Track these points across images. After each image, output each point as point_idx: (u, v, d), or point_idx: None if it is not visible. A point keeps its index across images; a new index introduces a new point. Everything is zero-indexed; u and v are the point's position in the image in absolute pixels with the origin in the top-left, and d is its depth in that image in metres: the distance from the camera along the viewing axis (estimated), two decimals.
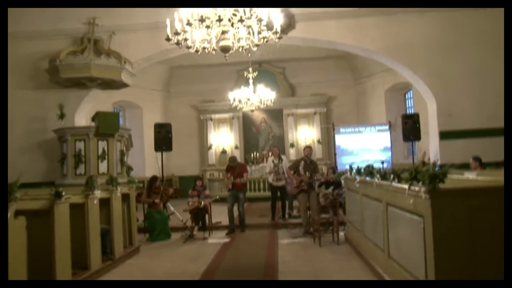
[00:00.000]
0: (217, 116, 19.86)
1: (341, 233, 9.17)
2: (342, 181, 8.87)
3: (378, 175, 5.97)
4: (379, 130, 15.12)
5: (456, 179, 5.10)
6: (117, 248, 7.98)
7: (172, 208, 11.98)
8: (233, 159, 11.20)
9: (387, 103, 18.50)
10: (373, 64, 17.35)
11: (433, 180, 4.08)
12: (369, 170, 6.73)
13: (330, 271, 6.88)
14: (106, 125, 10.38)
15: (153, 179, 10.74)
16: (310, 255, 8.00)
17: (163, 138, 12.66)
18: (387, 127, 15.16)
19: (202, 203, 10.35)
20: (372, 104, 19.12)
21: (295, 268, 7.13)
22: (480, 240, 4.07)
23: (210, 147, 19.76)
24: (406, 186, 4.66)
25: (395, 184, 5.17)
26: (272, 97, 14.29)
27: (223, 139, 19.84)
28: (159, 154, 13.44)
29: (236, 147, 19.70)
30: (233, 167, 10.90)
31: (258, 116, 19.71)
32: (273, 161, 11.74)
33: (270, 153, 12.32)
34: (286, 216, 11.70)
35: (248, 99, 13.86)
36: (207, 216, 10.62)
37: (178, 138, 19.99)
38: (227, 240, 9.81)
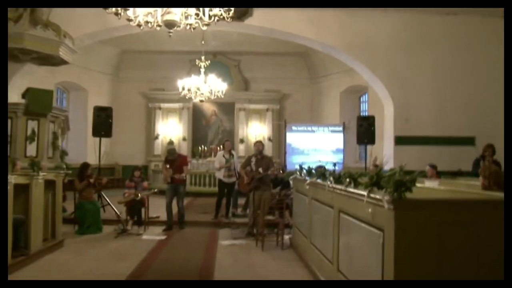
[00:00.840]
0: (166, 105, 18.86)
1: (286, 237, 8.47)
2: (291, 182, 8.14)
3: (331, 178, 5.24)
4: (332, 131, 14.46)
5: (419, 188, 4.43)
6: (34, 242, 6.97)
7: (107, 199, 10.99)
8: (171, 151, 10.32)
9: (341, 105, 18.07)
10: (331, 64, 16.85)
11: (398, 188, 3.38)
12: (321, 172, 6.02)
13: (271, 279, 6.13)
14: (38, 103, 9.24)
15: (84, 166, 9.71)
16: (251, 260, 7.23)
17: (103, 123, 11.56)
18: (340, 128, 14.54)
19: (139, 195, 9.43)
20: (326, 105, 18.63)
21: (233, 275, 6.33)
22: (448, 259, 3.42)
23: (157, 137, 18.75)
24: (364, 193, 3.95)
25: (351, 189, 4.45)
26: (223, 88, 13.43)
27: (171, 130, 18.87)
28: (98, 140, 12.28)
29: (184, 139, 18.77)
30: (172, 160, 10.00)
31: (209, 108, 18.89)
32: (224, 156, 10.92)
33: (220, 147, 11.34)
34: (230, 214, 10.90)
35: (198, 89, 12.95)
36: (143, 210, 9.70)
37: (124, 126, 19.00)
38: (163, 237, 8.93)
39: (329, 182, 5.31)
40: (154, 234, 9.22)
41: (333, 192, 5.19)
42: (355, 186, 4.53)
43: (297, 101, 19.39)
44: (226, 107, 18.86)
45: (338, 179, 5.16)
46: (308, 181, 6.36)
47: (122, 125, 18.99)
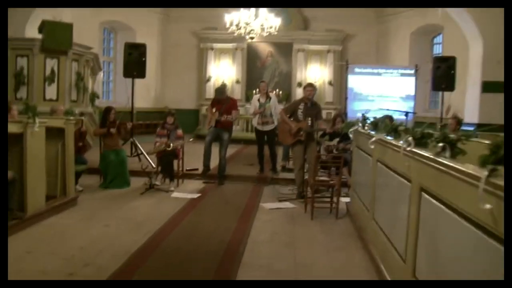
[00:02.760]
0: (219, 45, 17.00)
1: (343, 200, 6.69)
2: (351, 135, 6.22)
3: (409, 138, 3.33)
4: (402, 74, 12.09)
5: None
6: (32, 202, 5.54)
7: (140, 147, 9.52)
8: (221, 89, 8.64)
9: (411, 47, 15.61)
10: None
11: None
12: (392, 127, 4.10)
13: (316, 270, 4.39)
14: (55, 38, 7.76)
15: (107, 110, 8.10)
16: (295, 234, 5.50)
17: (135, 62, 9.80)
18: (412, 71, 12.10)
19: (171, 145, 7.83)
20: (394, 47, 16.20)
21: (267, 261, 4.62)
22: None
23: (208, 80, 17.03)
24: (479, 175, 2.06)
25: (448, 162, 2.56)
26: (276, 24, 11.43)
27: (224, 72, 17.07)
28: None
29: (238, 82, 16.97)
30: (220, 101, 8.33)
31: (265, 49, 16.92)
32: (259, 100, 9.04)
33: (256, 90, 9.32)
34: (278, 168, 9.17)
35: (247, 24, 11.01)
36: (176, 162, 8.13)
37: (175, 68, 17.46)
38: (195, 196, 7.34)
39: (404, 143, 3.40)
40: (186, 191, 7.67)
41: (412, 159, 3.31)
42: (453, 156, 2.64)
43: (362, 42, 17.03)
44: (283, 48, 16.82)
45: (420, 139, 3.25)
46: (373, 138, 4.44)
47: (172, 67, 17.49)
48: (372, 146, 4.44)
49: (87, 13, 14.26)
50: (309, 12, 16.89)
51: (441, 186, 2.73)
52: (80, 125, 7.48)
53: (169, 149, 7.79)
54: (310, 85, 7.44)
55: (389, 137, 4.12)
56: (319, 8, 16.34)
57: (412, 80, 11.81)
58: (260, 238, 5.29)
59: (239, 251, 4.81)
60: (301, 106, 7.35)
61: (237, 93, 16.86)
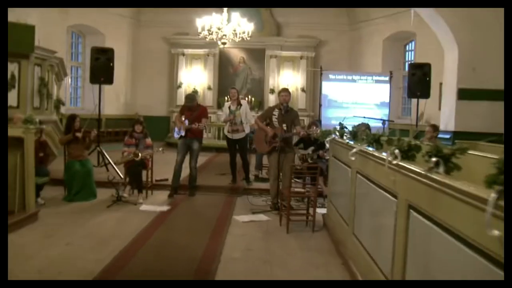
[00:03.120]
0: (190, 51, 16.63)
1: (319, 211, 6.41)
2: (327, 144, 5.95)
3: (395, 150, 3.06)
4: (376, 81, 11.88)
5: None
6: None
7: (107, 156, 9.09)
8: (191, 97, 8.21)
9: (384, 54, 15.51)
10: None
11: None
12: (374, 137, 3.83)
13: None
14: (15, 41, 7.25)
15: (71, 118, 7.65)
16: (270, 250, 5.18)
17: (102, 67, 9.35)
18: (387, 78, 11.89)
19: (140, 155, 7.44)
20: (367, 54, 16.09)
21: (241, 277, 4.31)
22: None
23: (180, 86, 16.61)
24: (486, 197, 1.80)
25: (446, 180, 2.29)
26: (249, 29, 11.15)
27: (196, 78, 16.68)
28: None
29: (209, 88, 16.61)
30: (191, 108, 7.96)
31: (237, 55, 16.61)
32: (229, 107, 8.68)
33: (226, 97, 8.89)
34: (251, 178, 8.85)
35: (219, 29, 10.70)
36: (145, 173, 7.74)
37: (145, 74, 17.02)
38: (165, 208, 6.96)
39: (390, 156, 3.14)
40: (156, 203, 7.29)
41: (398, 173, 3.04)
42: (447, 172, 2.38)
43: (334, 49, 16.89)
44: (256, 54, 16.55)
45: (407, 152, 2.99)
46: (354, 150, 4.15)
47: (143, 73, 17.05)
48: (353, 158, 4.16)
49: (54, 15, 13.75)
50: (282, 18, 16.69)
51: (434, 205, 2.46)
52: (40, 134, 7.04)
53: (138, 159, 7.40)
54: (285, 90, 7.13)
55: (370, 148, 3.85)
56: (292, 14, 16.19)
57: (386, 87, 11.64)
58: (234, 255, 4.96)
59: (211, 270, 4.47)
60: (276, 113, 7.06)
61: (209, 99, 16.53)
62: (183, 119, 7.91)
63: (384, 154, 3.31)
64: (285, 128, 6.90)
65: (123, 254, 4.85)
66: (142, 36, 17.04)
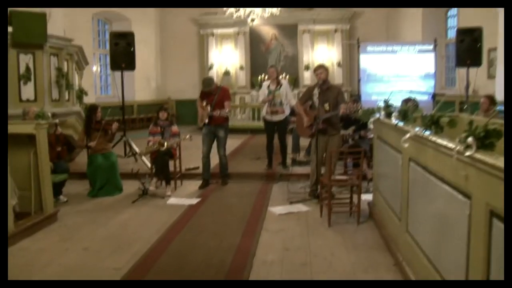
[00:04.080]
0: (220, 31, 15.94)
1: (364, 198, 5.66)
2: (371, 125, 5.15)
3: (469, 138, 2.29)
4: (420, 51, 10.76)
5: None
6: None
7: (134, 147, 8.56)
8: (207, 82, 7.28)
9: (424, 21, 14.32)
10: None
11: None
12: (433, 119, 3.05)
13: None
14: (26, 31, 6.75)
15: (92, 109, 7.08)
16: (311, 250, 4.48)
17: (123, 53, 8.67)
18: (431, 47, 10.73)
19: (165, 144, 6.85)
20: (405, 23, 14.99)
21: None
22: None
23: (211, 67, 15.98)
24: None
25: None
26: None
27: (227, 58, 16.03)
28: (144, 75, 9.74)
29: (241, 68, 15.91)
30: (209, 93, 7.21)
31: (268, 32, 15.82)
32: (268, 87, 7.87)
33: (261, 76, 8.02)
34: (288, 162, 8.15)
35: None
36: (172, 163, 7.15)
37: (175, 57, 16.43)
38: (194, 201, 6.35)
39: (461, 145, 2.37)
40: (185, 196, 6.71)
41: (473, 168, 2.28)
42: None
43: (370, 19, 15.84)
44: (288, 29, 15.70)
45: (483, 139, 2.23)
46: (407, 135, 3.36)
47: (173, 57, 16.47)
48: (406, 145, 3.39)
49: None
50: None
51: None
52: (55, 128, 6.53)
53: (163, 148, 6.81)
54: (320, 66, 6.31)
55: (427, 132, 3.08)
56: None
57: (431, 56, 10.54)
58: (268, 257, 4.30)
59: (242, 277, 3.84)
60: (316, 92, 6.28)
61: (242, 79, 15.86)
62: (205, 104, 7.21)
63: (449, 144, 2.55)
64: (327, 107, 6.14)
65: (145, 260, 4.26)
66: (170, 19, 16.44)
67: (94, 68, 14.47)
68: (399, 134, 3.80)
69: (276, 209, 5.86)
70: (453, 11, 13.87)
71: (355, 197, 5.48)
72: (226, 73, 15.99)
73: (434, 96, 7.30)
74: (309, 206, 5.95)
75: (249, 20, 10.58)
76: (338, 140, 6.37)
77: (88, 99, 11.83)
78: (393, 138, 4.19)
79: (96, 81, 14.99)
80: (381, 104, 4.77)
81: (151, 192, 6.68)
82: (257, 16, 10.34)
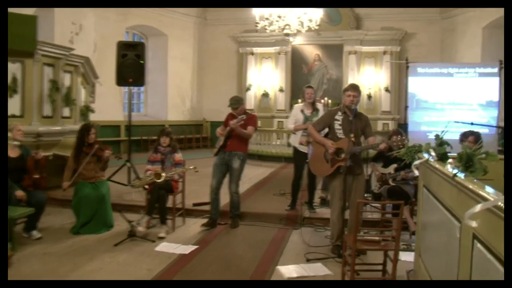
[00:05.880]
0: (260, 49, 14.75)
1: (403, 259, 4.15)
2: (416, 171, 3.60)
3: None
4: (481, 74, 8.92)
5: None
6: None
7: (137, 172, 7.33)
8: (235, 99, 6.01)
9: (484, 45, 12.66)
10: None
11: None
12: None
13: None
14: (13, 35, 5.62)
15: (84, 130, 5.88)
16: None
17: (131, 66, 7.34)
18: (495, 69, 8.81)
19: (162, 175, 5.55)
20: (462, 45, 13.33)
21: None
22: None
23: (249, 88, 14.76)
24: None
25: None
26: (317, 17, 8.94)
27: (266, 79, 14.78)
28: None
29: (281, 90, 14.58)
30: (235, 115, 5.91)
31: (311, 52, 14.48)
32: (302, 111, 6.44)
33: (300, 98, 6.48)
34: (315, 202, 6.67)
35: (280, 17, 8.59)
36: (171, 198, 5.81)
37: (212, 76, 15.29)
38: (188, 250, 4.96)
39: None
40: (182, 239, 5.35)
41: None
42: None
43: (423, 42, 14.21)
44: (333, 50, 14.31)
45: None
46: (479, 208, 1.85)
47: (210, 76, 15.37)
48: (474, 224, 1.90)
49: (111, 15, 12.43)
50: (361, 9, 14.28)
51: None
52: (36, 151, 5.38)
53: (160, 180, 5.51)
54: (353, 87, 4.87)
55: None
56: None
57: (494, 81, 8.64)
58: None
59: None
60: (339, 117, 4.85)
61: (281, 102, 14.54)
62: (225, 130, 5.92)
63: None
64: (352, 139, 4.70)
65: None
66: (208, 36, 15.40)
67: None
68: (458, 191, 2.32)
69: (287, 270, 4.39)
70: None
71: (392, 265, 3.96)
72: (265, 94, 14.71)
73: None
74: (331, 268, 4.45)
75: (290, 38, 9.23)
76: (363, 182, 4.90)
77: (117, 117, 10.75)
78: (448, 194, 2.69)
79: (128, 98, 14.01)
80: (432, 138, 3.27)
81: (140, 233, 5.36)
82: (294, 31, 8.98)
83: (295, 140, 6.50)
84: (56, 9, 11.05)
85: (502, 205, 1.62)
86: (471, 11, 12.86)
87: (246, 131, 5.72)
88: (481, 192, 1.93)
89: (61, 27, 11.26)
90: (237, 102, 5.94)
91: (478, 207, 1.76)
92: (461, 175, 2.38)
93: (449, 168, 2.60)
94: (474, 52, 12.80)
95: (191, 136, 14.77)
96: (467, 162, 2.36)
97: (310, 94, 6.41)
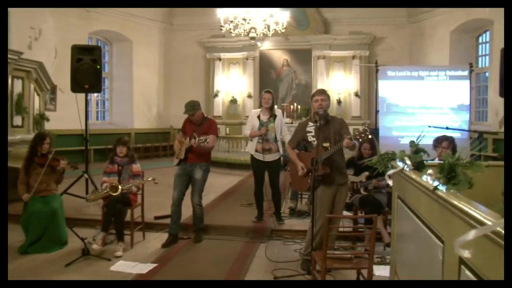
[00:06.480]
0: (227, 55, 14.41)
1: (377, 273, 3.86)
2: (389, 181, 3.28)
3: None
4: (451, 77, 8.72)
5: None
6: None
7: (96, 185, 6.86)
8: (190, 104, 5.48)
9: (452, 49, 12.67)
10: None
11: None
12: None
13: None
14: None
15: (38, 139, 5.40)
16: None
17: (87, 71, 6.79)
18: (465, 72, 8.61)
19: (119, 188, 5.12)
20: (430, 49, 13.34)
21: None
22: None
23: (216, 94, 14.40)
24: None
25: None
26: (284, 19, 8.64)
27: (234, 85, 14.43)
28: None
29: (249, 96, 14.27)
30: (193, 121, 5.51)
31: (280, 57, 14.22)
32: (258, 117, 6.09)
33: (260, 102, 6.15)
34: (283, 212, 6.34)
35: (245, 20, 8.25)
36: (129, 212, 5.37)
37: (179, 83, 14.85)
38: (145, 269, 4.53)
39: None
40: (141, 257, 4.92)
41: None
42: None
43: (392, 46, 14.12)
44: (301, 55, 14.07)
45: None
46: (473, 234, 1.53)
47: (177, 82, 14.94)
48: (467, 254, 1.57)
49: (73, 21, 11.91)
50: (329, 13, 14.10)
51: None
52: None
53: (116, 194, 5.08)
54: (320, 91, 4.52)
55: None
56: (341, 8, 13.51)
57: (465, 84, 8.43)
58: None
59: None
60: (311, 128, 4.51)
61: (249, 109, 14.12)
62: (184, 137, 5.53)
63: None
64: (327, 146, 4.36)
65: None
66: (175, 41, 14.99)
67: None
68: (440, 207, 2.01)
69: None
70: (485, 36, 12.10)
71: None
72: (233, 101, 14.36)
73: (479, 136, 5.44)
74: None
75: (251, 38, 8.87)
76: (347, 192, 4.58)
77: (77, 126, 10.27)
78: (427, 209, 2.38)
79: (92, 106, 13.48)
80: (404, 144, 2.97)
81: (95, 251, 4.92)
82: (259, 34, 8.65)
83: (251, 147, 6.13)
84: (12, 12, 10.48)
85: (502, 230, 1.29)
86: (438, 15, 12.83)
87: (207, 145, 5.28)
88: (470, 212, 1.60)
89: (18, 32, 10.69)
90: (192, 108, 5.45)
91: (472, 234, 1.43)
92: (442, 188, 2.06)
93: (428, 179, 2.29)
94: (443, 56, 12.76)
95: (158, 144, 14.33)
96: (449, 173, 2.04)
97: (267, 99, 6.03)
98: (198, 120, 5.48)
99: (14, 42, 10.27)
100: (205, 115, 5.73)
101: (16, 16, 10.52)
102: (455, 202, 1.81)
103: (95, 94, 13.35)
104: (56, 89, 10.99)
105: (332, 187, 4.36)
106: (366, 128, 4.10)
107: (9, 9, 10.48)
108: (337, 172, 4.40)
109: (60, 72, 9.39)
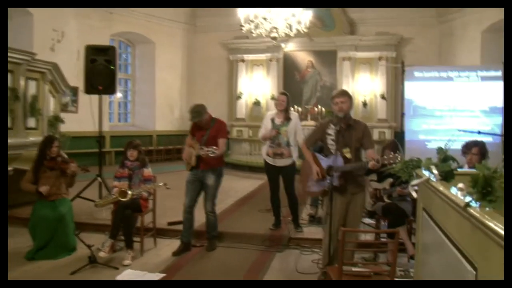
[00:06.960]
0: (251, 56, 14.08)
1: None
2: (413, 192, 2.93)
3: None
4: (483, 78, 8.15)
5: None
6: None
7: (109, 190, 6.62)
8: (195, 110, 5.13)
9: (484, 49, 12.04)
10: None
11: None
12: None
13: None
14: None
15: (46, 142, 5.23)
16: None
17: (101, 72, 6.63)
18: (499, 73, 7.95)
19: (129, 193, 4.87)
20: (461, 50, 12.70)
21: None
22: None
23: (239, 96, 14.09)
24: None
25: None
26: (307, 19, 8.29)
27: (257, 87, 14.08)
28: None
29: (273, 98, 13.84)
30: (200, 126, 5.22)
31: (304, 59, 13.83)
32: (273, 120, 5.76)
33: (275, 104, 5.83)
34: (302, 219, 6.00)
35: (266, 20, 7.95)
36: (139, 219, 5.12)
37: (203, 85, 14.61)
38: (155, 277, 4.29)
39: None
40: (150, 265, 4.67)
41: None
42: None
43: (420, 47, 13.54)
44: (326, 56, 13.62)
45: None
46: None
47: (199, 84, 14.69)
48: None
49: (96, 23, 11.82)
50: (355, 14, 13.65)
51: None
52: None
53: (125, 199, 4.84)
54: (341, 93, 4.17)
55: None
56: (368, 9, 13.07)
57: (498, 85, 7.82)
58: None
59: None
60: (331, 131, 4.16)
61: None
62: (194, 141, 5.24)
63: None
64: (348, 153, 4.01)
65: None
66: (198, 43, 14.76)
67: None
68: (472, 227, 1.67)
69: None
70: None
71: None
72: (256, 103, 14.05)
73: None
74: None
75: (272, 38, 8.55)
76: (362, 201, 4.22)
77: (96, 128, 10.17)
78: (456, 227, 2.03)
79: (114, 108, 13.39)
80: (431, 148, 2.62)
81: (102, 259, 4.68)
82: (281, 34, 8.33)
83: (264, 151, 5.82)
84: (36, 15, 10.46)
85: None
86: (469, 14, 12.28)
87: (217, 152, 4.96)
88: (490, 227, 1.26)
89: (41, 34, 10.66)
90: (198, 115, 5.11)
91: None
92: (475, 205, 1.72)
93: (458, 194, 1.94)
94: (473, 56, 12.19)
95: (180, 146, 14.10)
96: (484, 188, 1.69)
97: (281, 101, 5.69)
98: (206, 124, 5.19)
99: (37, 44, 10.26)
100: (213, 117, 5.38)
101: (39, 18, 10.50)
102: (492, 225, 1.48)
103: (118, 96, 13.26)
104: (78, 91, 10.89)
105: (345, 196, 4.03)
106: (397, 155, 3.75)
107: (32, 11, 10.53)
108: (351, 181, 4.05)
109: (83, 74, 9.31)
